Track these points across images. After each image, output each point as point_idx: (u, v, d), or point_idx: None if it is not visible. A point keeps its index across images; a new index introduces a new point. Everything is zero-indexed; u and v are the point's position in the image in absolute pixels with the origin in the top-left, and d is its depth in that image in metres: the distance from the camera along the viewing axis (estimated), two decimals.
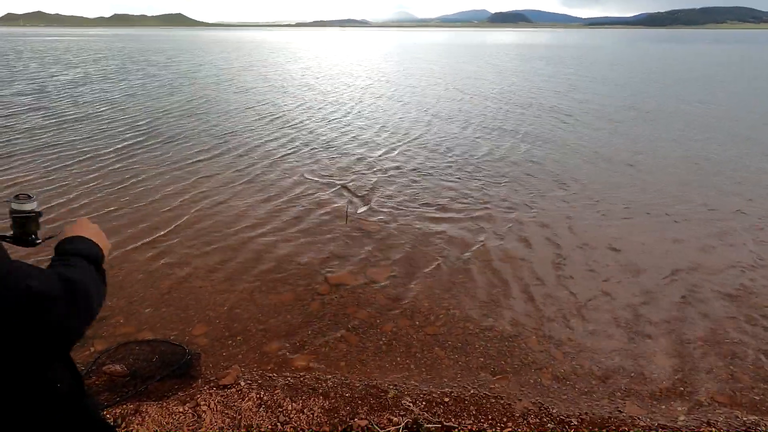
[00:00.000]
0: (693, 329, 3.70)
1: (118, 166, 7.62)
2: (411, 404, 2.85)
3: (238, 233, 5.30)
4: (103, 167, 7.52)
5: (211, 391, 2.87)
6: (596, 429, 2.70)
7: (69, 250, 1.07)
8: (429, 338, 3.56)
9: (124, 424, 2.51)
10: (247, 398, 2.81)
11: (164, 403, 2.72)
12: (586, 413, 2.84)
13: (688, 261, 4.81)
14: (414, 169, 7.76)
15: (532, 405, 2.90)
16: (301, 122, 11.49)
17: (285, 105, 14.01)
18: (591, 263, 4.75)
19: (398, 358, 3.34)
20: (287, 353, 3.37)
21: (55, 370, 1.01)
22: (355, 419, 2.68)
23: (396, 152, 8.82)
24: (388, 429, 2.60)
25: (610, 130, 10.84)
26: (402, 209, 6.07)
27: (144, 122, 11.09)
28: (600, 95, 16.33)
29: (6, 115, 11.49)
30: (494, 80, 20.92)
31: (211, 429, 2.53)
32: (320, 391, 2.95)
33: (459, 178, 7.35)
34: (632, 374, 3.21)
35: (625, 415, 2.85)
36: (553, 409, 2.87)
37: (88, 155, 8.15)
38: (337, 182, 7.07)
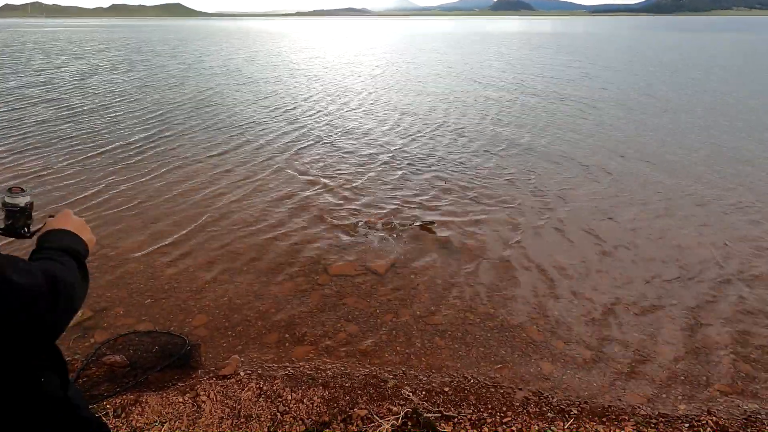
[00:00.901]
0: (711, 323, 3.68)
1: (135, 160, 7.55)
2: (411, 394, 2.85)
3: (240, 226, 5.29)
4: (120, 160, 7.45)
5: (210, 381, 2.88)
6: (596, 418, 2.69)
7: (53, 244, 1.06)
8: (429, 328, 3.56)
9: (124, 414, 2.52)
10: (246, 388, 2.81)
11: (164, 394, 2.73)
12: (586, 402, 2.84)
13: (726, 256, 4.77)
14: (425, 161, 7.71)
15: (531, 394, 2.89)
16: (316, 114, 11.24)
17: (298, 95, 13.79)
18: (595, 253, 4.72)
19: (398, 348, 3.34)
20: (287, 344, 3.37)
21: (39, 362, 1.00)
22: (355, 409, 2.68)
23: (417, 144, 8.68)
24: (387, 418, 2.60)
25: (635, 120, 10.54)
26: (406, 201, 6.05)
27: (157, 114, 10.94)
28: (618, 85, 16.07)
29: (17, 108, 11.43)
30: (504, 69, 20.62)
31: (210, 419, 2.53)
32: (320, 381, 2.96)
33: (463, 171, 7.30)
34: (633, 363, 3.19)
35: (625, 404, 2.84)
36: (553, 398, 2.86)
37: (102, 149, 8.02)
38: (343, 175, 7.03)
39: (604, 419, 2.69)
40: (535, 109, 11.85)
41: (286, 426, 2.52)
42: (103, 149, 8.02)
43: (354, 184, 6.55)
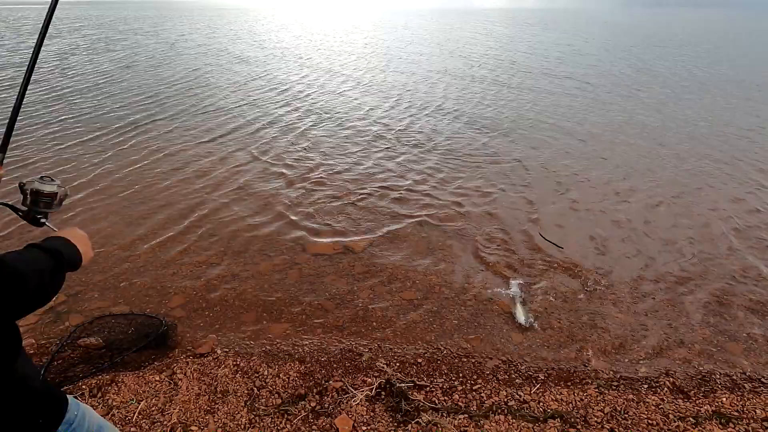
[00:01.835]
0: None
1: (131, 142, 7.35)
2: (385, 366, 2.94)
3: (219, 210, 5.25)
4: (110, 145, 7.24)
5: (187, 360, 2.91)
6: (561, 383, 2.82)
7: (51, 245, 1.19)
8: (405, 303, 3.64)
9: (100, 394, 2.55)
10: (223, 365, 2.85)
11: (140, 373, 2.75)
12: (552, 368, 2.96)
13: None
14: (422, 143, 7.71)
15: (501, 363, 3.01)
16: (309, 95, 10.98)
17: (289, 75, 13.41)
18: (574, 230, 4.85)
19: (374, 323, 3.41)
20: (265, 321, 3.41)
21: None
22: (330, 381, 2.75)
23: (417, 126, 8.67)
24: (361, 389, 2.68)
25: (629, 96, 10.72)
26: (391, 181, 6.07)
27: (148, 95, 10.55)
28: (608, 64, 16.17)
29: None
30: (494, 46, 20.45)
31: (187, 395, 2.57)
32: (296, 356, 3.02)
33: (448, 152, 7.33)
34: (599, 331, 3.33)
35: (589, 369, 2.98)
36: (521, 366, 2.98)
37: (93, 133, 7.66)
38: (328, 161, 7.00)
39: (569, 383, 2.82)
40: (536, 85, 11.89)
41: (263, 400, 2.58)
42: (90, 135, 7.78)
43: (335, 166, 6.54)
